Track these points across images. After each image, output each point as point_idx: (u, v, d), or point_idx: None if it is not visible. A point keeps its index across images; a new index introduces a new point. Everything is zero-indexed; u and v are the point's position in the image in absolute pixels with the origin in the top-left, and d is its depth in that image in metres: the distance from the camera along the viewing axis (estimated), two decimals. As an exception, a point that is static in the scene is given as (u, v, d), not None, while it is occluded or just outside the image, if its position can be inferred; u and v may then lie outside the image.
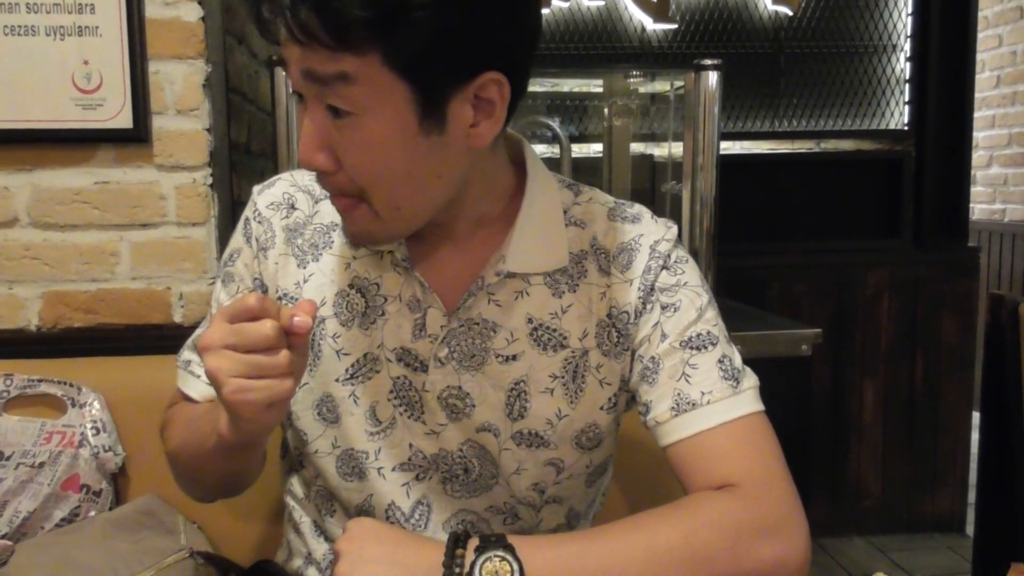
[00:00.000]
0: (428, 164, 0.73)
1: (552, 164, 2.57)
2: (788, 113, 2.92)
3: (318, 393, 0.85)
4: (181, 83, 1.45)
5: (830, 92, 2.92)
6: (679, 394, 0.80)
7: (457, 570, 0.68)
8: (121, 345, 1.42)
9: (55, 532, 1.16)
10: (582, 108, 2.76)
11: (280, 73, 1.72)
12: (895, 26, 2.91)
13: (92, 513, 1.20)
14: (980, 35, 3.34)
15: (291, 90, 0.76)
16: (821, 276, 2.85)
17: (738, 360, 0.83)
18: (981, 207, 4.01)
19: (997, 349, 1.52)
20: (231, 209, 1.53)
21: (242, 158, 1.76)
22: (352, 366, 0.84)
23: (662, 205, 2.22)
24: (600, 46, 2.83)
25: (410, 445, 0.84)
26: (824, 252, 2.88)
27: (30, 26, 1.41)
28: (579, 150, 2.73)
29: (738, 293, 2.48)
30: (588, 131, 2.77)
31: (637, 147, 2.45)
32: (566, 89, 2.56)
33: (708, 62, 1.80)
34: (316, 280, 0.85)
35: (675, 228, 0.87)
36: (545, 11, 2.78)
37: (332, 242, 0.86)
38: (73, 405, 1.25)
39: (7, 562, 1.01)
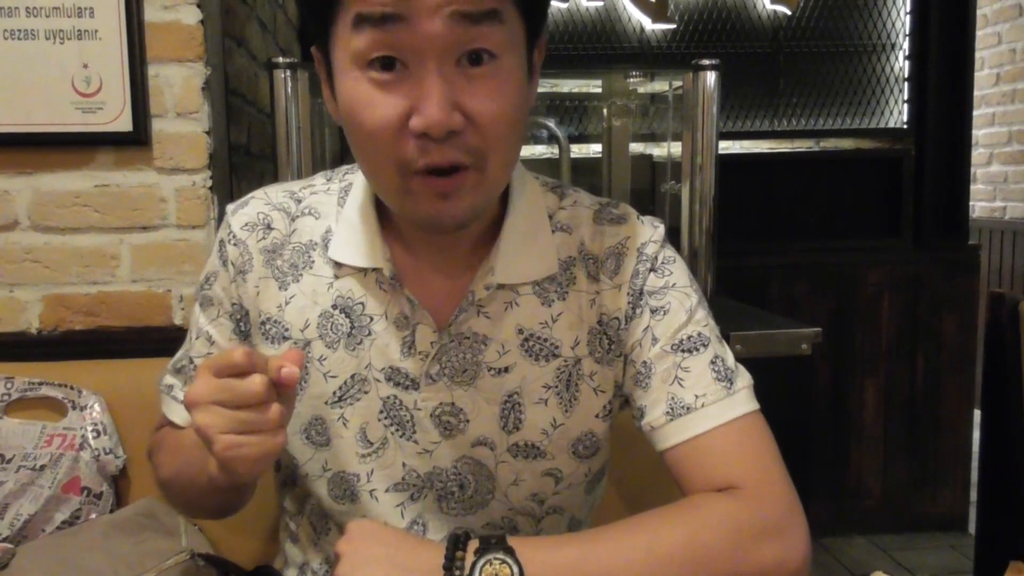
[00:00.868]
0: (525, 117, 0.75)
1: (551, 165, 2.58)
2: (787, 112, 2.92)
3: (306, 417, 0.84)
4: (180, 86, 1.45)
5: (829, 91, 2.92)
6: (673, 398, 0.79)
7: (457, 572, 0.68)
8: (121, 348, 1.42)
9: (56, 535, 1.16)
10: (581, 108, 2.76)
11: (279, 75, 1.72)
12: (894, 24, 2.91)
13: (93, 515, 1.20)
14: (979, 33, 3.34)
15: (368, 59, 0.69)
16: (821, 275, 2.85)
17: (731, 359, 0.82)
18: (982, 205, 4.01)
19: (997, 347, 1.52)
20: (231, 211, 1.53)
21: (242, 160, 1.76)
22: (340, 388, 0.82)
23: (662, 205, 2.22)
24: (599, 46, 2.83)
25: (403, 464, 0.83)
26: (824, 251, 2.88)
27: (30, 30, 1.41)
28: (578, 150, 2.73)
29: (738, 293, 2.48)
30: (587, 131, 2.77)
31: (636, 147, 2.45)
32: (565, 90, 2.56)
33: (706, 62, 1.80)
34: (298, 302, 0.83)
35: (662, 227, 0.86)
36: (544, 11, 2.78)
37: (312, 262, 0.83)
38: (74, 408, 1.25)
39: (8, 565, 1.01)
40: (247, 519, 1.24)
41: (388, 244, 0.81)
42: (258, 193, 0.88)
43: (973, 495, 2.87)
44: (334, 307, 0.82)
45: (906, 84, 2.93)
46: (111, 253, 1.47)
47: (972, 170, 3.13)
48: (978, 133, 3.89)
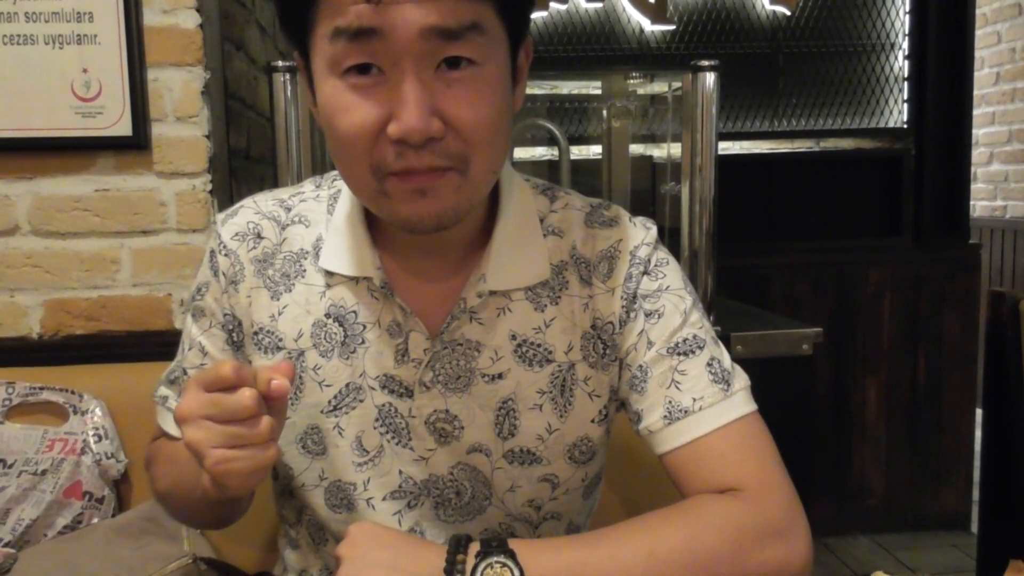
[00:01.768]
0: (509, 121, 0.75)
1: (551, 166, 2.58)
2: (787, 112, 2.92)
3: (302, 427, 0.83)
4: (180, 90, 1.45)
5: (829, 91, 2.92)
6: (670, 402, 0.79)
7: (458, 575, 0.68)
8: (122, 352, 1.42)
9: (58, 539, 1.16)
10: (581, 110, 2.76)
11: (279, 79, 1.72)
12: (893, 24, 2.91)
13: (95, 520, 1.20)
14: (979, 32, 3.34)
15: (344, 67, 0.70)
16: (822, 275, 2.85)
17: (727, 360, 0.82)
18: (982, 204, 4.01)
19: (998, 346, 1.52)
20: (231, 215, 1.54)
21: (241, 164, 1.76)
22: (335, 397, 0.82)
23: (662, 206, 2.22)
24: (598, 48, 2.83)
25: (399, 472, 0.83)
26: (825, 251, 2.88)
27: (29, 35, 1.41)
28: (578, 152, 2.73)
29: (738, 293, 2.48)
30: (587, 133, 2.77)
31: (636, 148, 2.45)
32: (565, 91, 2.56)
33: (705, 63, 1.80)
34: (291, 312, 0.82)
35: (654, 229, 0.86)
36: (543, 13, 2.78)
37: (304, 271, 0.82)
38: (75, 412, 1.25)
39: (10, 570, 1.01)
40: (246, 526, 1.23)
41: (378, 250, 0.80)
42: (247, 202, 0.87)
43: (975, 494, 2.87)
44: (327, 316, 0.82)
45: (906, 84, 2.93)
46: (111, 257, 1.47)
47: (972, 169, 3.13)
48: (978, 132, 3.88)
